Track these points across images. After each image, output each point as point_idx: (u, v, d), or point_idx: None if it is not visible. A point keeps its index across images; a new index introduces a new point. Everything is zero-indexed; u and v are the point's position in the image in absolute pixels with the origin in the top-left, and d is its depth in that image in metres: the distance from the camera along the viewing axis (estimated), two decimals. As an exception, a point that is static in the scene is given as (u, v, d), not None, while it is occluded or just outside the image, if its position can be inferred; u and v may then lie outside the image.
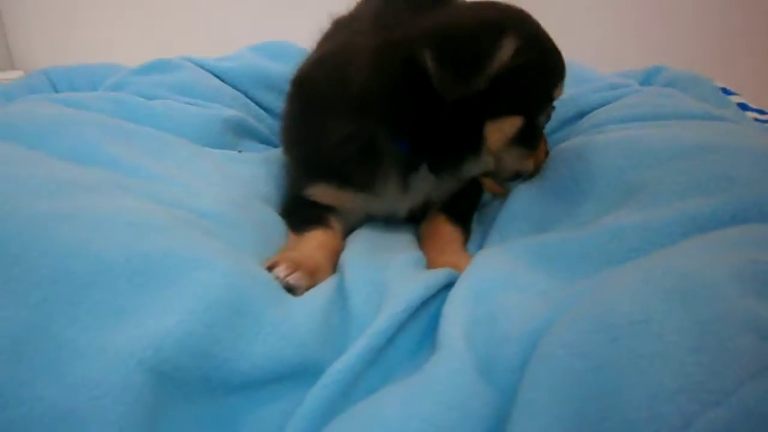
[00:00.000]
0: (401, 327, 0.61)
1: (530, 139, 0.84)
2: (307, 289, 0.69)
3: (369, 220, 0.93)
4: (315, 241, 0.82)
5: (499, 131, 0.80)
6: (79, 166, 0.76)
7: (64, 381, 0.46)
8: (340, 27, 1.03)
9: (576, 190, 0.80)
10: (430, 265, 0.81)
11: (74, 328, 0.50)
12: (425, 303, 0.65)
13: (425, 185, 0.88)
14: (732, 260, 0.46)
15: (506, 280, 0.65)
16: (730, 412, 0.36)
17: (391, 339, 0.59)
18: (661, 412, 0.37)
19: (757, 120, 1.05)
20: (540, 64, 0.79)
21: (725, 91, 1.17)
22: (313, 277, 0.72)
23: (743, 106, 1.10)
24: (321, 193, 0.89)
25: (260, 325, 0.57)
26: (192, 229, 0.66)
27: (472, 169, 0.85)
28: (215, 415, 0.53)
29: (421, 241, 0.90)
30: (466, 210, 0.96)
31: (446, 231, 0.89)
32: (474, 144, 0.80)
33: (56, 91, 1.27)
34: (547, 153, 0.91)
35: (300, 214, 0.88)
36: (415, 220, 0.95)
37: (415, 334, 0.63)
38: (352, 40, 0.87)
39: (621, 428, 0.38)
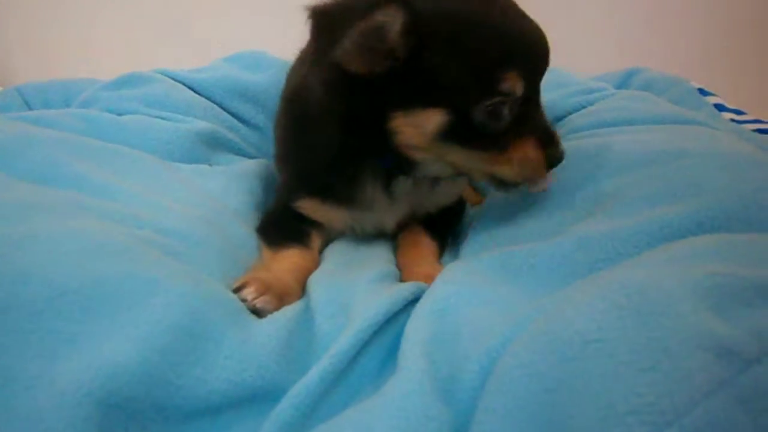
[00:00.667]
0: (365, 345, 0.60)
1: (474, 137, 0.71)
2: (275, 311, 0.67)
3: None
4: (288, 262, 0.80)
5: (413, 126, 0.72)
6: (40, 187, 0.75)
7: (14, 413, 0.45)
8: None
9: (547, 199, 0.79)
10: (404, 275, 0.80)
11: (25, 358, 0.49)
12: (391, 319, 0.63)
13: (410, 195, 0.87)
14: (691, 274, 0.45)
15: (471, 295, 0.63)
16: (681, 435, 0.35)
17: (354, 358, 0.58)
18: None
19: (733, 120, 1.05)
20: (457, 47, 0.68)
21: (702, 92, 1.16)
22: (282, 300, 0.70)
23: (720, 107, 1.10)
24: (309, 207, 0.87)
25: (219, 349, 0.56)
26: (152, 249, 0.65)
27: (427, 169, 0.79)
28: (172, 444, 0.52)
29: (398, 251, 0.89)
30: (445, 223, 0.94)
31: (423, 242, 0.89)
32: (382, 139, 0.74)
33: (30, 108, 1.25)
34: (556, 157, 0.75)
35: (280, 228, 0.87)
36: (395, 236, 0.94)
37: (379, 352, 0.61)
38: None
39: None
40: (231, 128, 1.23)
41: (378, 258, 0.83)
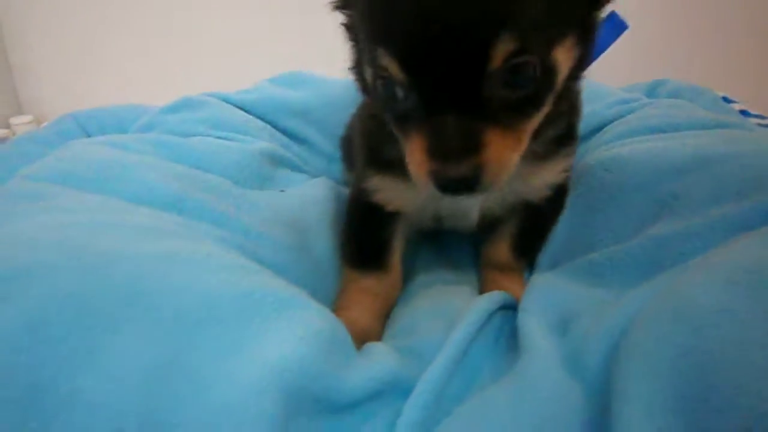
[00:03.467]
0: (473, 339, 0.67)
1: (386, 111, 0.66)
2: None
3: (437, 232, 0.94)
4: (369, 297, 0.81)
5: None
6: (150, 211, 0.80)
7: (207, 407, 0.50)
8: None
9: (611, 203, 0.85)
10: (486, 289, 0.83)
11: (200, 359, 0.54)
12: (488, 319, 0.71)
13: None
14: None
15: (566, 295, 0.70)
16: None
17: (465, 350, 0.65)
18: (756, 388, 0.43)
19: (759, 125, 1.13)
20: (356, 8, 0.66)
21: (726, 100, 1.25)
22: (363, 343, 0.71)
23: (744, 113, 1.19)
24: (379, 185, 0.81)
25: (350, 354, 0.63)
26: (273, 275, 0.71)
27: None
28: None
29: (482, 266, 0.92)
30: (534, 242, 0.89)
31: (509, 261, 0.88)
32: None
33: (87, 135, 1.30)
34: (442, 177, 0.59)
35: (359, 240, 0.88)
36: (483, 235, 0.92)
37: (485, 344, 0.68)
38: None
39: (724, 406, 0.44)
40: (284, 146, 1.29)
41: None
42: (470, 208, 0.82)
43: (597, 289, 0.72)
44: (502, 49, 0.54)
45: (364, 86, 0.72)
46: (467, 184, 0.57)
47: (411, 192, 0.79)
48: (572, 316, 0.65)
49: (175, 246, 0.66)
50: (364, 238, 0.88)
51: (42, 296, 0.52)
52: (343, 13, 0.70)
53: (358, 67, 0.72)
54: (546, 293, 0.70)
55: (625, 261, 0.73)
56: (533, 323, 0.64)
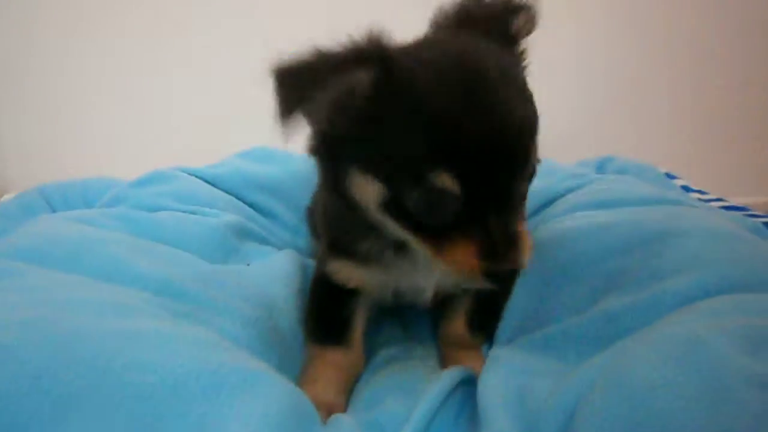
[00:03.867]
0: (434, 415, 0.68)
1: (414, 223, 0.67)
2: None
3: (396, 305, 0.95)
4: (334, 371, 0.83)
5: (364, 189, 0.68)
6: (116, 287, 0.81)
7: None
8: None
9: (564, 278, 0.88)
10: (446, 365, 0.85)
11: (168, 436, 0.54)
12: (450, 394, 0.72)
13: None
14: (723, 326, 0.57)
15: (523, 369, 0.73)
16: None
17: (427, 426, 0.67)
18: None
19: (699, 199, 1.21)
20: (408, 122, 0.62)
21: (669, 176, 1.34)
22: (328, 415, 0.73)
23: (686, 188, 1.27)
24: (340, 268, 0.84)
25: (315, 430, 0.64)
26: (239, 349, 0.72)
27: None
28: None
29: (441, 344, 0.94)
30: (489, 318, 0.91)
31: (465, 337, 0.91)
32: (345, 192, 0.71)
33: (52, 209, 1.31)
34: (495, 272, 0.66)
35: (323, 318, 0.89)
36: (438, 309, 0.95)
37: (446, 420, 0.70)
38: None
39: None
40: (251, 218, 1.31)
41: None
42: (425, 285, 0.85)
43: (553, 362, 0.75)
44: (534, 154, 0.66)
45: (346, 200, 0.73)
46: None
47: (369, 274, 0.84)
48: (529, 390, 0.67)
49: (141, 323, 0.67)
50: (327, 315, 0.89)
51: (6, 379, 0.52)
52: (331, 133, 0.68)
53: (339, 183, 0.72)
54: (504, 367, 0.73)
55: (578, 334, 0.76)
56: (492, 397, 0.66)
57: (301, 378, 0.84)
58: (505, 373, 0.72)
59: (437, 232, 0.66)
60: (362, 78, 0.61)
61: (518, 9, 0.73)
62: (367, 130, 0.64)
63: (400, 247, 0.78)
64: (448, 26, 0.75)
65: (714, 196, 1.25)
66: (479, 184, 0.62)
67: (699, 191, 1.26)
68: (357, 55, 0.61)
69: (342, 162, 0.69)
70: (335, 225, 0.85)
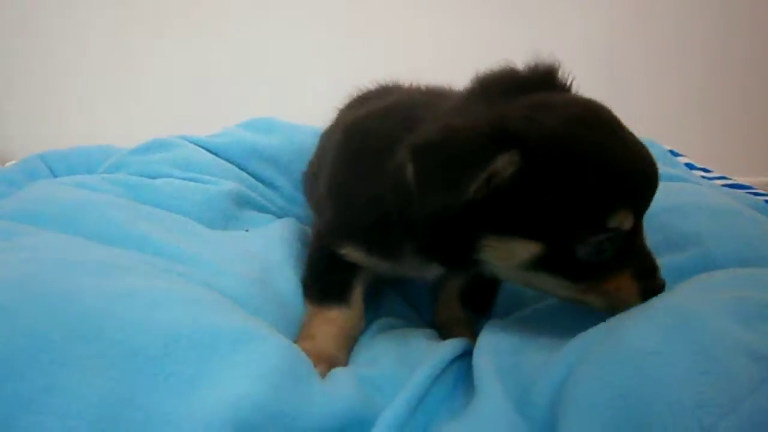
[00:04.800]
0: (434, 381, 0.69)
1: (569, 269, 0.69)
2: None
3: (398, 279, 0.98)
4: (332, 326, 0.84)
5: (504, 251, 0.70)
6: (112, 249, 0.81)
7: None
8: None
9: None
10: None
11: (156, 398, 0.55)
12: (450, 363, 0.73)
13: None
14: (718, 297, 0.57)
15: (518, 339, 0.73)
16: (740, 421, 0.45)
17: (426, 392, 0.67)
18: (686, 425, 0.46)
19: (703, 177, 1.20)
20: (566, 183, 0.64)
21: (673, 153, 1.32)
22: (330, 367, 0.75)
23: (690, 166, 1.26)
24: (350, 253, 0.87)
25: (313, 387, 0.64)
26: (234, 307, 0.72)
27: (495, 273, 0.76)
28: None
29: (437, 320, 0.96)
30: (486, 296, 0.94)
31: (461, 316, 0.94)
32: (466, 256, 0.72)
33: (54, 175, 1.31)
34: (652, 290, 0.68)
35: (323, 279, 0.90)
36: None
37: (445, 387, 0.70)
38: (411, 108, 0.84)
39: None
40: (251, 187, 1.31)
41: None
42: (426, 275, 0.89)
43: (547, 333, 0.74)
44: None
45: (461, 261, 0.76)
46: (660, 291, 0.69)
47: (376, 262, 0.86)
48: (524, 359, 0.68)
49: (135, 283, 0.67)
50: (327, 278, 0.90)
51: (1, 335, 0.53)
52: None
53: (463, 250, 0.73)
54: (498, 338, 0.73)
55: (573, 307, 0.76)
56: (486, 367, 0.66)
57: (300, 334, 0.84)
58: (500, 343, 0.72)
59: (595, 271, 0.69)
60: (506, 162, 0.64)
61: (554, 67, 0.79)
62: (511, 200, 0.66)
63: (454, 262, 0.79)
64: (502, 92, 0.75)
65: (718, 174, 1.24)
66: (639, 216, 0.70)
67: (703, 169, 1.25)
68: (494, 144, 0.63)
69: (472, 229, 0.70)
70: (362, 224, 0.84)
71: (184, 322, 0.62)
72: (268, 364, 0.61)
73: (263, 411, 0.56)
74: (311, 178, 1.19)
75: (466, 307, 0.94)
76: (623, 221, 0.66)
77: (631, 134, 0.72)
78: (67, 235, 0.82)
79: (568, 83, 0.80)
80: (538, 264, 0.69)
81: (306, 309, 0.89)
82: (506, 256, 0.71)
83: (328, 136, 1.16)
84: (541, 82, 0.77)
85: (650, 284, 0.69)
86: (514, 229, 0.68)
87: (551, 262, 0.69)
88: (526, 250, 0.68)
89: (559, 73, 0.79)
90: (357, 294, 0.89)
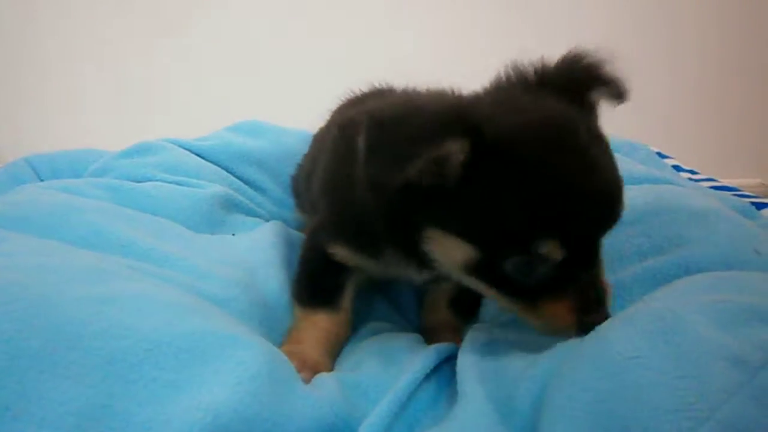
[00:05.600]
0: (418, 386, 0.69)
1: (502, 283, 0.67)
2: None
3: (389, 282, 0.98)
4: (319, 330, 0.83)
5: (445, 248, 0.68)
6: (94, 253, 0.80)
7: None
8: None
9: None
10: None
11: (135, 403, 0.54)
12: (436, 369, 0.73)
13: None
14: (699, 301, 0.56)
15: (501, 342, 0.73)
16: (719, 426, 0.44)
17: (410, 397, 0.67)
18: (665, 430, 0.46)
19: (690, 179, 1.21)
20: (506, 191, 0.62)
21: (660, 155, 1.33)
22: (315, 374, 0.75)
23: (677, 168, 1.26)
24: (341, 253, 0.85)
25: (296, 392, 0.63)
26: (217, 312, 0.72)
27: (446, 272, 0.74)
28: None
29: (423, 324, 0.96)
30: (473, 302, 0.93)
31: (448, 320, 0.93)
32: (415, 247, 0.70)
33: (40, 179, 1.30)
34: (589, 325, 0.61)
35: (313, 282, 0.89)
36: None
37: (429, 393, 0.70)
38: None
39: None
40: (239, 191, 1.30)
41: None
42: (415, 277, 0.87)
43: (530, 338, 0.74)
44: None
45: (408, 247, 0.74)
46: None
47: (368, 262, 0.85)
48: (507, 363, 0.67)
49: (117, 288, 0.67)
50: (318, 281, 0.89)
51: (-22, 342, 0.52)
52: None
53: (406, 233, 0.71)
54: (482, 341, 0.73)
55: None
56: (470, 369, 0.66)
57: (286, 339, 0.84)
58: (483, 348, 0.72)
59: (528, 291, 0.67)
60: (455, 148, 0.60)
61: (605, 83, 0.72)
62: (456, 195, 0.63)
63: (409, 254, 0.77)
64: (518, 85, 0.72)
65: (705, 176, 1.24)
66: (580, 247, 0.65)
67: (690, 171, 1.26)
68: (446, 127, 0.60)
69: (419, 218, 0.68)
70: (350, 221, 0.83)
71: (164, 328, 0.61)
72: (250, 370, 0.60)
73: (243, 418, 0.56)
74: (302, 179, 1.19)
75: (454, 313, 0.94)
76: (551, 252, 0.62)
77: (600, 158, 0.66)
78: (50, 240, 0.81)
79: (599, 102, 0.74)
80: (473, 270, 0.67)
81: (294, 311, 0.89)
82: (447, 255, 0.68)
83: (321, 137, 1.16)
84: (573, 87, 0.71)
85: (589, 319, 0.64)
86: (452, 226, 0.66)
87: (484, 272, 0.67)
88: (460, 251, 0.66)
89: (602, 91, 0.73)
90: (346, 298, 0.89)
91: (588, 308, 0.66)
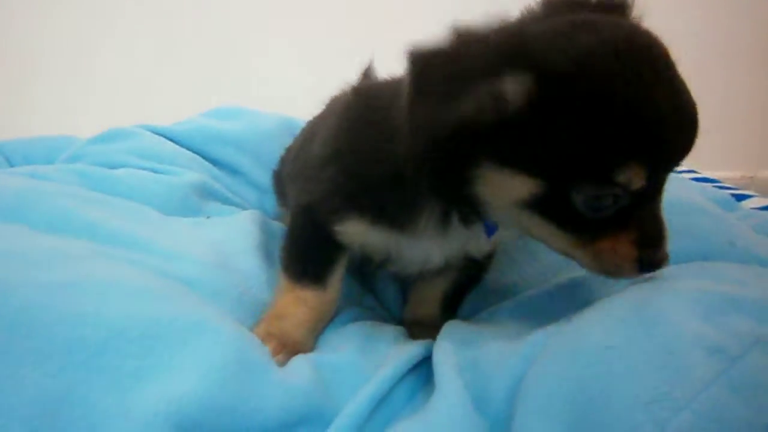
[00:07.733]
0: (399, 381, 0.67)
1: (564, 217, 0.62)
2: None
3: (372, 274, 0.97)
4: (305, 309, 0.81)
5: (501, 185, 0.62)
6: (61, 238, 0.78)
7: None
8: None
9: (525, 251, 0.89)
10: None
11: (96, 392, 0.52)
12: (417, 364, 0.71)
13: (462, 235, 0.77)
14: (677, 290, 0.56)
15: (477, 335, 0.72)
16: (694, 416, 0.44)
17: (389, 390, 0.65)
18: (640, 420, 0.45)
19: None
20: (581, 121, 0.56)
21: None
22: (295, 354, 0.73)
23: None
24: (352, 229, 0.79)
25: (267, 381, 0.61)
26: (186, 295, 0.70)
27: (489, 213, 0.68)
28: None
29: (407, 319, 0.95)
30: (462, 297, 0.94)
31: (434, 317, 0.92)
32: (460, 189, 0.65)
33: (10, 165, 1.26)
34: (652, 263, 0.62)
35: (303, 256, 0.85)
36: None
37: (409, 387, 0.69)
38: None
39: (610, 437, 0.45)
40: (215, 177, 1.28)
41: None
42: (434, 257, 0.81)
43: (507, 331, 0.73)
44: None
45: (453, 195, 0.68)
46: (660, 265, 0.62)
47: (381, 236, 0.79)
48: (484, 355, 0.66)
49: (81, 272, 0.64)
50: (309, 256, 0.85)
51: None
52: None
53: (458, 182, 0.65)
54: (459, 336, 0.72)
55: (534, 306, 0.75)
56: (448, 359, 0.65)
57: (269, 311, 0.82)
58: (460, 340, 0.71)
59: (590, 226, 0.62)
60: (515, 85, 0.56)
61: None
62: (518, 128, 0.58)
63: (446, 219, 0.74)
64: (553, 10, 0.67)
65: (685, 168, 1.24)
66: (656, 178, 0.61)
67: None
68: (507, 58, 0.55)
69: (470, 159, 0.62)
70: (373, 187, 0.76)
71: (128, 314, 0.59)
72: (218, 358, 0.58)
73: (210, 407, 0.54)
74: (288, 165, 1.15)
75: (444, 309, 0.92)
76: (633, 179, 0.57)
77: (677, 79, 0.61)
78: (14, 225, 0.78)
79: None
80: (533, 205, 0.62)
81: (279, 283, 0.85)
82: (502, 193, 0.63)
83: (317, 121, 1.10)
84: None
85: (650, 255, 0.61)
86: (515, 161, 0.60)
87: (546, 206, 0.61)
88: (523, 186, 0.61)
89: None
90: (336, 277, 0.85)
91: (651, 244, 0.62)
